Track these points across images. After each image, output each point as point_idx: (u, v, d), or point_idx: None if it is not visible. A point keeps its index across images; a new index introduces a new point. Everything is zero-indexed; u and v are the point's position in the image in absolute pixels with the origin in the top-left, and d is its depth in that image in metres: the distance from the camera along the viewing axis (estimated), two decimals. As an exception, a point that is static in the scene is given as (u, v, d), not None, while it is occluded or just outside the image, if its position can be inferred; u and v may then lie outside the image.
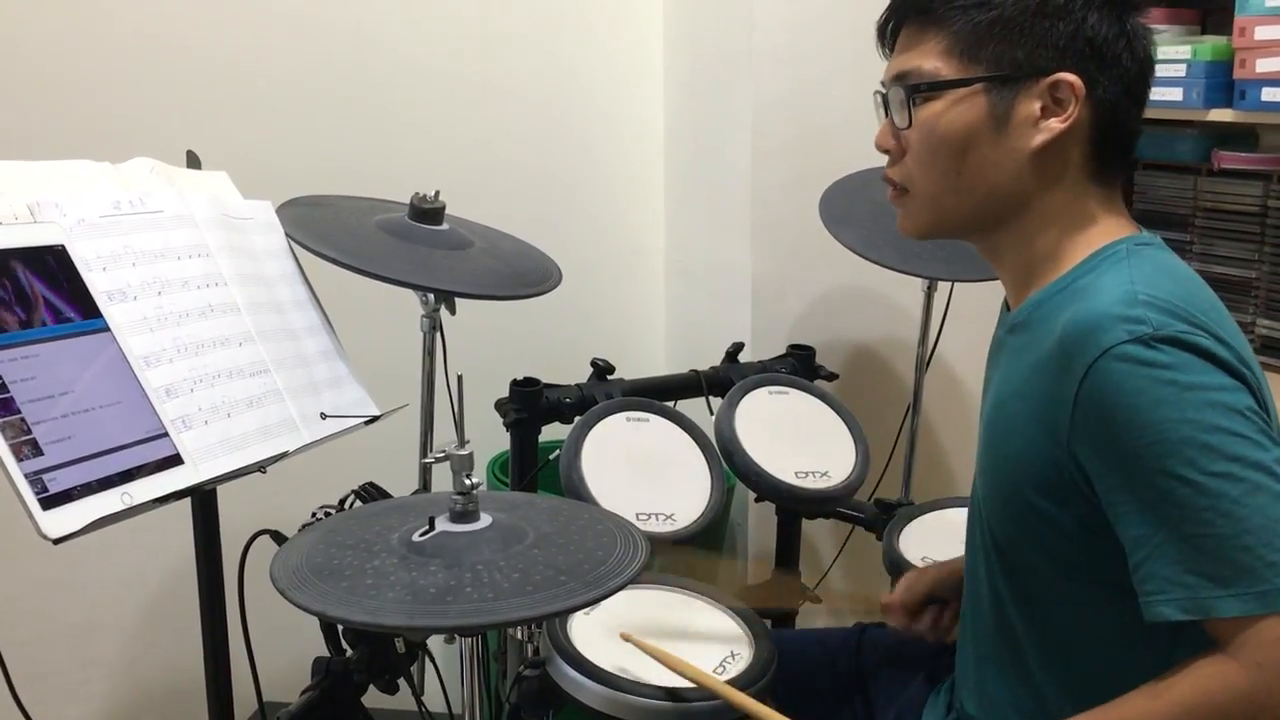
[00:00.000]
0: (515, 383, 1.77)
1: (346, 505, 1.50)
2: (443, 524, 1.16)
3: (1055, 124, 1.07)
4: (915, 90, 1.10)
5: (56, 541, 0.95)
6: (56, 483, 0.97)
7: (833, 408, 1.86)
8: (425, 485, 1.64)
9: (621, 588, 1.09)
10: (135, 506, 1.03)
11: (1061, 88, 1.07)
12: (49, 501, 0.95)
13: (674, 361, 2.44)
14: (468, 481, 1.15)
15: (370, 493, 1.54)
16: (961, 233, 1.18)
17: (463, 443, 1.15)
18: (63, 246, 1.10)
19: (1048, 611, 1.12)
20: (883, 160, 1.20)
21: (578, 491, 1.59)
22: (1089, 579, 1.06)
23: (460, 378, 1.15)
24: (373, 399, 1.48)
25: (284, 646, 1.63)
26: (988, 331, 2.31)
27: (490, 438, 1.92)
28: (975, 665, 1.24)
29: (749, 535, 2.25)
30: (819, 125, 2.12)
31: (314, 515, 1.46)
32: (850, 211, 1.90)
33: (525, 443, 1.78)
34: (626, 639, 1.34)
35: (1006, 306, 1.21)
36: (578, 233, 2.31)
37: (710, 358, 2.00)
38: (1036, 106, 1.07)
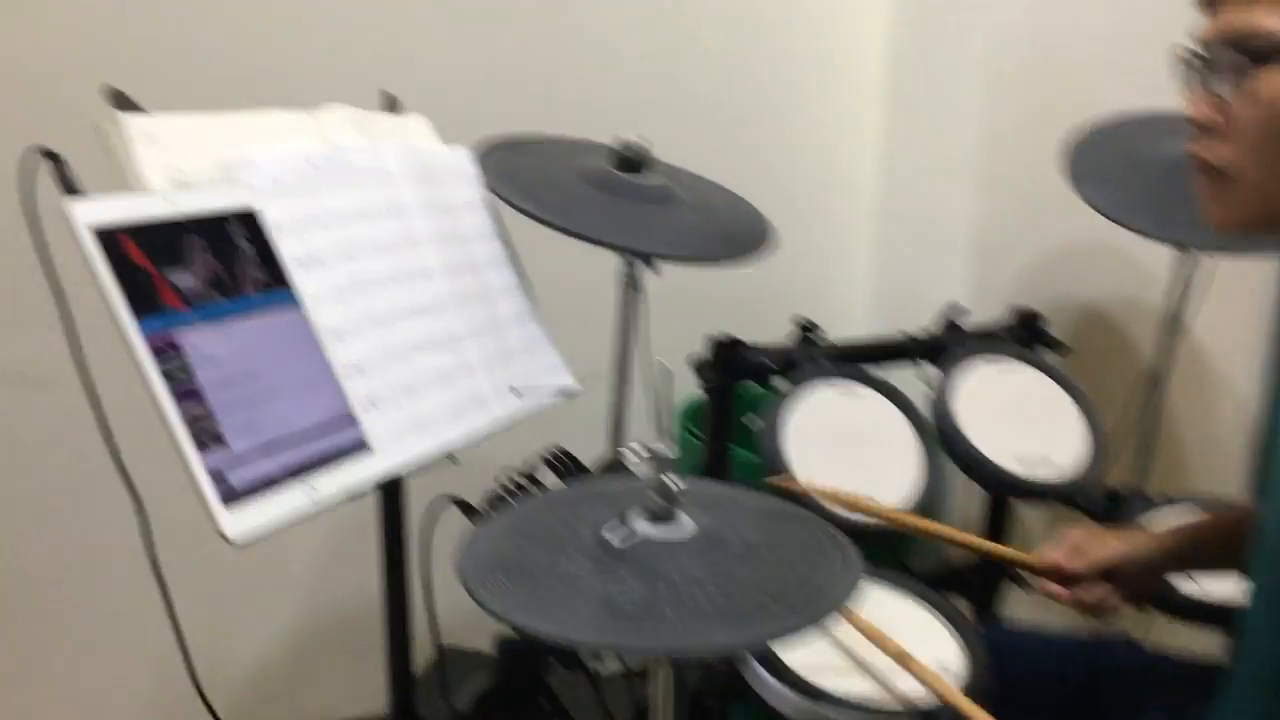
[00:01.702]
0: (716, 343, 1.66)
1: (533, 470, 1.44)
2: (640, 526, 1.06)
3: None
4: (1262, 58, 0.89)
5: (240, 544, 0.89)
6: (239, 476, 0.91)
7: (1065, 387, 1.68)
8: (616, 453, 1.55)
9: (833, 617, 0.98)
10: (322, 505, 0.96)
11: None
12: (231, 497, 0.90)
13: (877, 317, 2.27)
14: (670, 485, 1.05)
15: (561, 460, 1.46)
16: None
17: (667, 440, 1.05)
18: (254, 211, 1.03)
19: None
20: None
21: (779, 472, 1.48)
22: None
23: (669, 371, 1.04)
24: (567, 363, 1.39)
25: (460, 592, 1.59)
26: (1248, 310, 2.07)
27: (679, 384, 1.82)
28: None
29: (951, 508, 2.09)
30: (1063, 60, 1.88)
31: (499, 484, 1.40)
32: (1100, 166, 1.68)
33: (722, 408, 1.67)
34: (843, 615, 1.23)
35: None
36: (780, 166, 2.17)
37: (919, 315, 1.83)
38: None
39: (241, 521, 0.90)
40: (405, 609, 1.39)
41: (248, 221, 1.02)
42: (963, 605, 1.92)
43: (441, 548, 1.33)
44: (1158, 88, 1.73)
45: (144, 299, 0.93)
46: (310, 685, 2.14)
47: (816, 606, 0.97)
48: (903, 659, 1.18)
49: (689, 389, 1.90)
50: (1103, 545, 1.27)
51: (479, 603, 0.99)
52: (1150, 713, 1.27)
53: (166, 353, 0.92)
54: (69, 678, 1.96)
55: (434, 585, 1.45)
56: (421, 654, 1.50)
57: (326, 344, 1.04)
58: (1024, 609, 2.15)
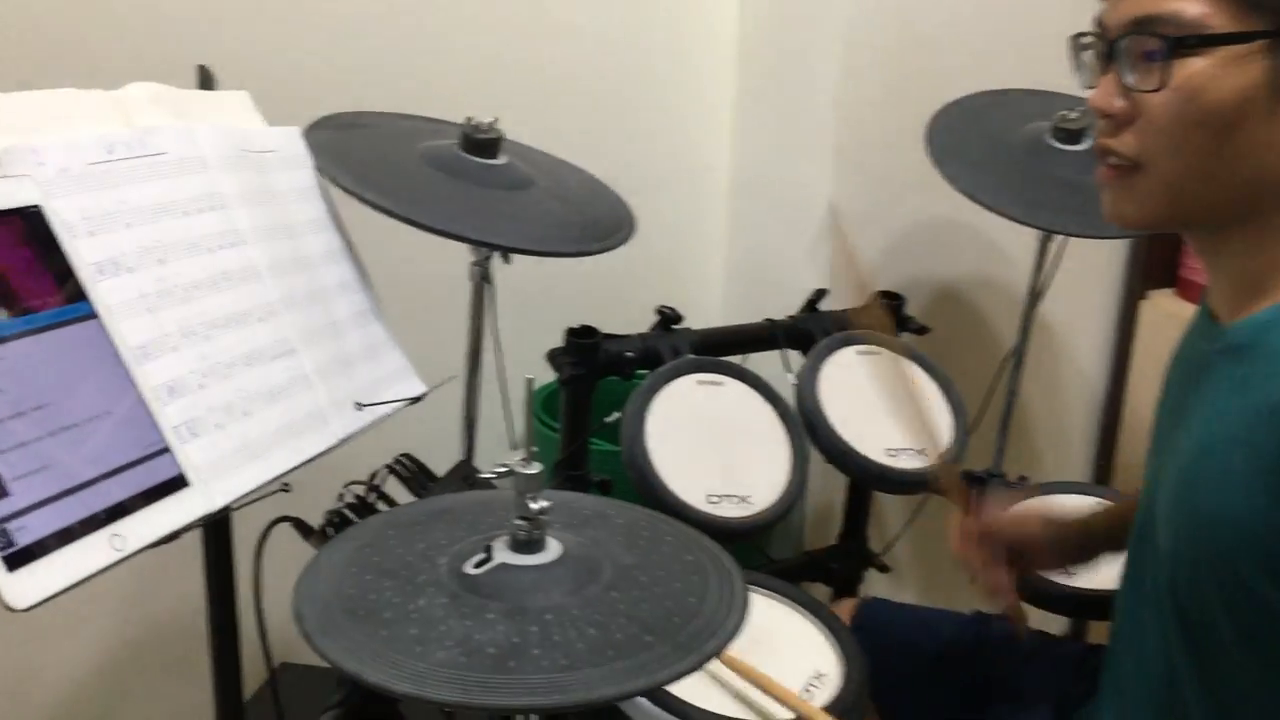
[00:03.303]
0: (572, 332, 1.56)
1: (378, 482, 1.31)
2: (502, 552, 0.96)
3: None
4: (1179, 45, 0.84)
5: (28, 610, 0.75)
6: (26, 532, 0.76)
7: (929, 372, 1.65)
8: (469, 457, 1.44)
9: (719, 652, 0.90)
10: (128, 556, 0.82)
11: None
12: (16, 559, 0.75)
13: (736, 303, 2.21)
14: (534, 506, 0.95)
15: (407, 467, 1.34)
16: (1192, 227, 0.94)
17: (530, 458, 0.95)
18: (38, 207, 0.87)
19: (1234, 695, 0.92)
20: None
21: (643, 472, 1.41)
22: None
23: (530, 381, 0.93)
24: (413, 362, 1.27)
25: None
26: (1088, 282, 2.08)
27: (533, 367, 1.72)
28: (1123, 715, 1.06)
29: (808, 492, 2.06)
30: (924, 36, 1.84)
31: (341, 498, 1.28)
32: (962, 144, 1.65)
33: (580, 400, 1.58)
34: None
35: (1210, 313, 0.98)
36: (634, 149, 2.07)
37: (780, 300, 1.78)
38: None
39: (28, 586, 0.75)
40: (234, 621, 1.25)
41: (31, 221, 0.86)
42: (824, 592, 1.90)
43: (276, 553, 1.20)
44: (1019, 67, 1.72)
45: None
46: (126, 711, 1.97)
47: (703, 643, 0.90)
48: (769, 688, 1.13)
49: (546, 374, 1.80)
50: (1039, 526, 1.26)
51: (321, 653, 0.88)
52: (1034, 701, 1.27)
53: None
54: None
55: (268, 595, 1.31)
56: (256, 671, 1.37)
57: (132, 364, 0.89)
58: (882, 594, 2.15)
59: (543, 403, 2.05)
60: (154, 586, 1.94)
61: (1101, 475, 2.03)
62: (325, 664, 0.86)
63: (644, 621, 0.91)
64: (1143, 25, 0.85)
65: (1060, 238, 1.72)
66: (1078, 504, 1.56)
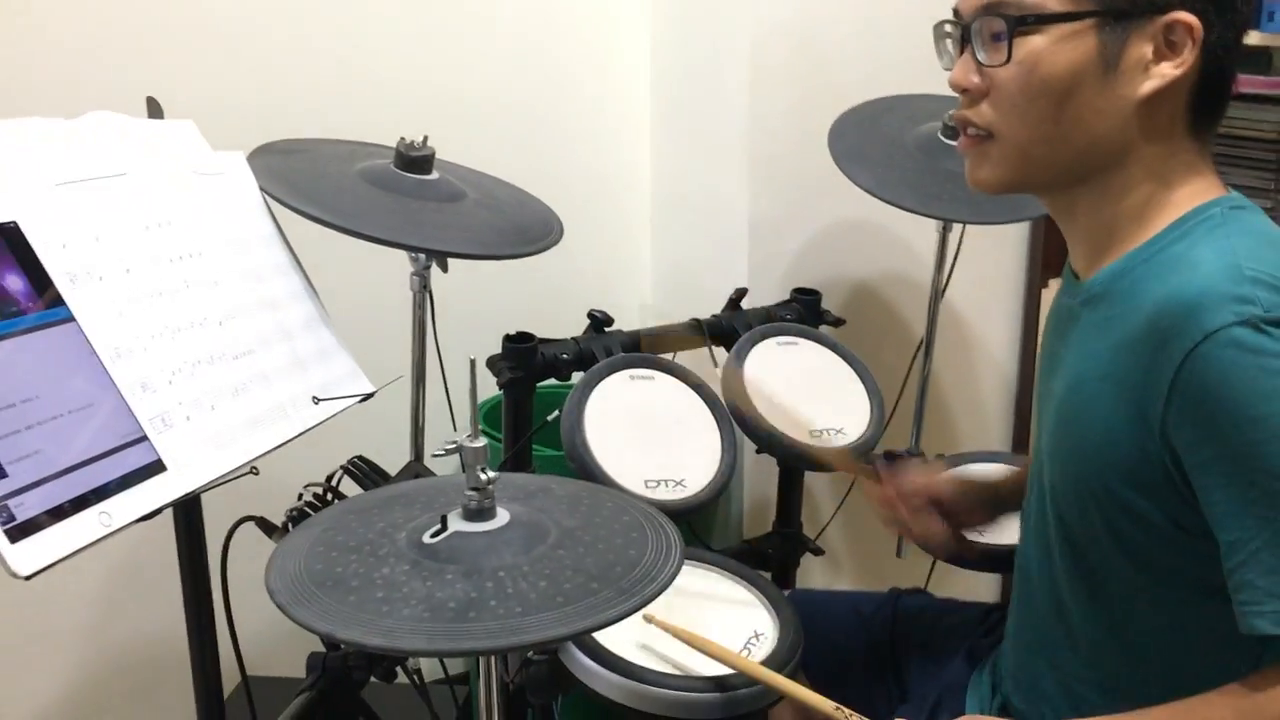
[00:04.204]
0: (509, 338, 1.65)
1: (335, 483, 1.39)
2: (455, 522, 1.05)
3: (1168, 69, 0.96)
4: (1020, 23, 0.97)
5: (28, 578, 0.82)
6: (24, 508, 0.84)
7: (844, 358, 1.76)
8: (418, 456, 1.52)
9: (658, 594, 0.99)
10: (116, 530, 0.90)
11: (1177, 29, 0.95)
12: (16, 532, 0.83)
13: (667, 306, 2.32)
14: (483, 476, 1.04)
15: (362, 469, 1.43)
16: (1043, 188, 1.06)
17: (476, 433, 1.04)
18: (15, 224, 0.95)
19: (1125, 612, 1.03)
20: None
21: (583, 461, 1.49)
22: (1178, 579, 0.98)
23: (473, 362, 1.03)
24: (361, 368, 1.36)
25: (266, 615, 1.53)
26: (994, 271, 2.23)
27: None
28: (1023, 655, 1.16)
29: (744, 485, 2.16)
30: (823, 51, 1.98)
31: (300, 498, 1.35)
32: (862, 147, 1.78)
33: (520, 403, 1.66)
34: (649, 620, 1.26)
35: (1073, 273, 1.10)
36: (560, 167, 2.16)
37: (705, 302, 1.88)
38: (1149, 49, 0.95)
39: (29, 555, 0.83)
40: (212, 636, 1.32)
41: (11, 235, 0.94)
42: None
43: (242, 576, 1.27)
44: (910, 74, 1.85)
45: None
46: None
47: (643, 586, 0.99)
48: (705, 649, 1.20)
49: (487, 390, 1.89)
50: (945, 483, 1.35)
51: (295, 619, 0.95)
52: (952, 666, 1.35)
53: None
54: None
55: (235, 614, 1.38)
56: (225, 685, 1.44)
57: (108, 362, 0.98)
58: (820, 581, 2.26)
59: (485, 415, 2.13)
60: (118, 615, 1.98)
61: (1020, 447, 2.17)
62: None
63: (589, 573, 1.00)
64: (990, 9, 0.99)
65: (959, 229, 1.85)
66: (987, 469, 1.69)
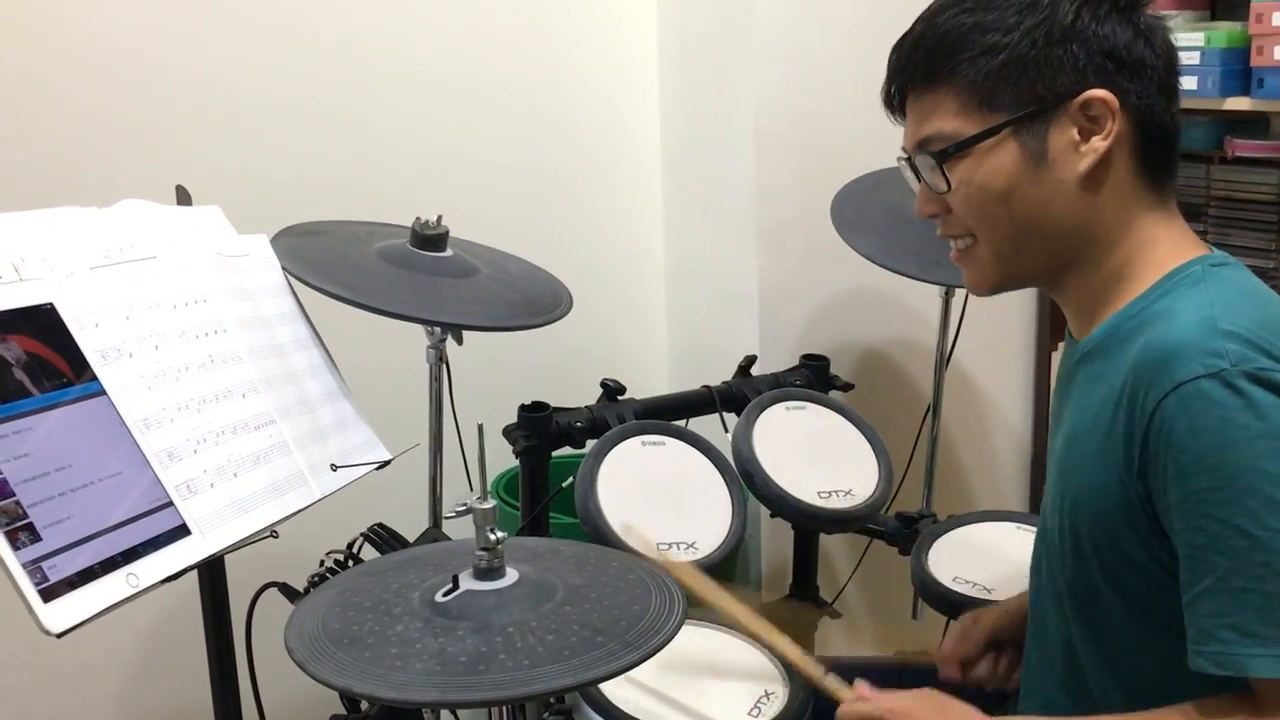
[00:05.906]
0: (524, 408, 1.70)
1: (356, 550, 1.44)
2: (466, 581, 1.09)
3: (1098, 143, 1.01)
4: (944, 155, 1.05)
5: (60, 635, 0.87)
6: (57, 570, 0.90)
7: (852, 421, 1.80)
8: (436, 523, 1.57)
9: (662, 647, 1.03)
10: (142, 590, 0.96)
11: (1094, 105, 1.01)
12: (50, 592, 0.88)
13: (679, 374, 2.37)
14: (492, 536, 1.08)
15: (381, 535, 1.47)
16: (1034, 279, 1.13)
17: (485, 495, 1.08)
18: (51, 305, 1.02)
19: (1126, 660, 1.06)
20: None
21: (597, 525, 1.52)
22: (1165, 625, 1.00)
23: (481, 427, 1.08)
24: (379, 437, 1.41)
25: (290, 681, 1.56)
26: (1003, 335, 2.27)
27: (492, 456, 1.85)
28: (1041, 711, 1.19)
29: (762, 550, 2.19)
30: (823, 125, 2.05)
31: (322, 564, 1.40)
32: (862, 217, 1.84)
33: (536, 471, 1.71)
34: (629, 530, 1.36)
35: (1071, 337, 1.15)
36: (575, 241, 2.24)
37: (718, 369, 1.93)
38: (1073, 132, 1.02)
39: (61, 614, 0.88)
40: (236, 701, 1.36)
41: (47, 315, 1.01)
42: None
43: (268, 643, 1.31)
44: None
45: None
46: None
47: (647, 639, 1.02)
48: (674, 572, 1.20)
49: (506, 461, 1.93)
50: (976, 624, 1.35)
51: (312, 675, 0.99)
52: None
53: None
54: None
55: (260, 680, 1.42)
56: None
57: (137, 433, 1.04)
58: (837, 646, 2.27)
59: (504, 485, 2.18)
60: (149, 685, 2.02)
61: (1037, 507, 2.18)
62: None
63: (595, 627, 1.03)
64: (920, 146, 1.08)
65: (961, 294, 1.90)
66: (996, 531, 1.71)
